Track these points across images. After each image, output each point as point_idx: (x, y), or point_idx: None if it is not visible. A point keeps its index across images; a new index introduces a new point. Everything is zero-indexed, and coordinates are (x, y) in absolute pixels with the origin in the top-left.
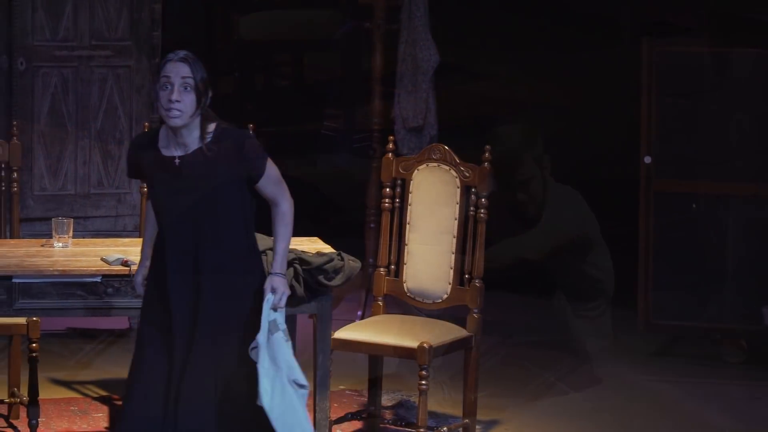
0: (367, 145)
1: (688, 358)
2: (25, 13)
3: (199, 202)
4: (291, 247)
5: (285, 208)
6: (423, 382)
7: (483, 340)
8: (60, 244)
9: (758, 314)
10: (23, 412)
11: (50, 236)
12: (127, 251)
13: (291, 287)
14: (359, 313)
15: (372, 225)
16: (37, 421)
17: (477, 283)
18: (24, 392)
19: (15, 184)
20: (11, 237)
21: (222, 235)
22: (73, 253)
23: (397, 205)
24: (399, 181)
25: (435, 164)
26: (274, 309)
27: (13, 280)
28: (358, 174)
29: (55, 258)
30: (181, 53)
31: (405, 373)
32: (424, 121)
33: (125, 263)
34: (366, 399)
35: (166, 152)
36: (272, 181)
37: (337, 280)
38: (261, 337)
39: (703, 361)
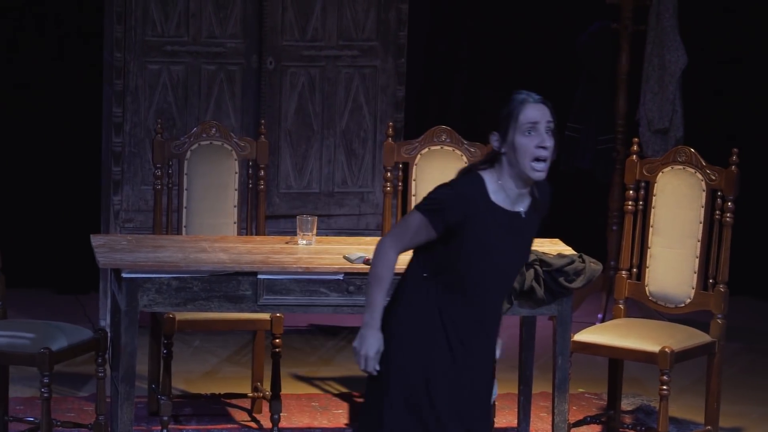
0: (611, 146)
1: None
2: (275, 13)
3: (520, 262)
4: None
5: None
6: (664, 387)
7: (726, 346)
8: (304, 242)
9: None
10: (265, 407)
11: (295, 233)
12: (369, 249)
13: (531, 288)
14: (600, 315)
15: (614, 227)
16: (279, 416)
17: (721, 288)
18: (267, 387)
19: (261, 182)
20: (257, 234)
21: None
22: (317, 250)
23: (640, 207)
24: (643, 184)
25: (680, 167)
26: None
27: (258, 276)
28: (601, 175)
29: (299, 255)
30: (535, 95)
31: (646, 377)
32: (670, 123)
33: (367, 261)
34: (605, 402)
35: (506, 206)
36: None
37: (578, 283)
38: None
39: None
